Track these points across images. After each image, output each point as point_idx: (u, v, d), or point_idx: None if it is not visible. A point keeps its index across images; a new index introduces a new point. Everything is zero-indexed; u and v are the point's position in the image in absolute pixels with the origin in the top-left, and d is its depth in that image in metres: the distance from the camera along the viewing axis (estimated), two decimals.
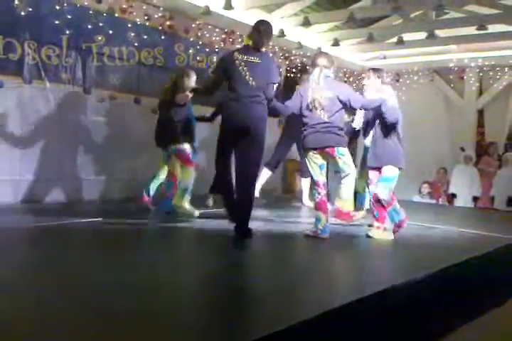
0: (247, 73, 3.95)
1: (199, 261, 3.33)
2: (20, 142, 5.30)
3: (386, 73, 4.90)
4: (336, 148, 4.10)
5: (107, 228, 4.30)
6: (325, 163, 4.22)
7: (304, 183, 6.34)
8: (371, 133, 4.50)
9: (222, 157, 4.16)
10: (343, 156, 4.13)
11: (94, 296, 2.33)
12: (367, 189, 4.85)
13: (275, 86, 4.10)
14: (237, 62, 3.97)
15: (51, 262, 2.99)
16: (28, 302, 2.22)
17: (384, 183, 4.21)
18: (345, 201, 4.19)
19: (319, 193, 4.16)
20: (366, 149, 4.70)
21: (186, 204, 4.90)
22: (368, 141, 4.60)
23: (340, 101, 4.11)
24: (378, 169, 4.31)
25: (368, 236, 4.28)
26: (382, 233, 4.29)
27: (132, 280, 2.64)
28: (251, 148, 3.98)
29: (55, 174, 5.56)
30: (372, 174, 4.38)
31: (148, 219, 4.87)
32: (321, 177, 4.18)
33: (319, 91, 4.09)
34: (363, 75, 4.81)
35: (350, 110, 4.49)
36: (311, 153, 4.17)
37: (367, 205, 5.20)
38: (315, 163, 4.18)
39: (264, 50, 4.23)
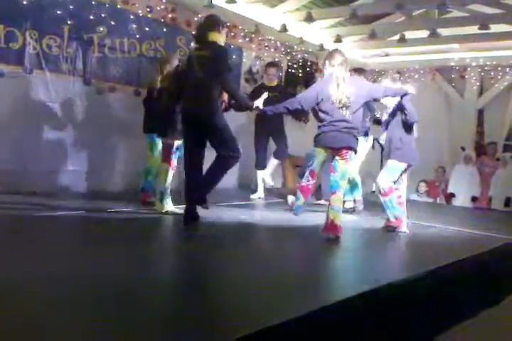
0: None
1: (194, 254, 3.34)
2: (20, 132, 5.27)
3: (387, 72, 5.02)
4: (350, 151, 4.06)
5: (108, 220, 4.30)
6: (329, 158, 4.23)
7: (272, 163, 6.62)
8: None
9: None
10: (347, 162, 4.06)
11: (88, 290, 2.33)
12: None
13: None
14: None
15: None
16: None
17: (385, 173, 4.46)
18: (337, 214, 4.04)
19: (308, 180, 4.27)
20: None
21: (170, 207, 4.67)
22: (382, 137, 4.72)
23: (362, 96, 4.11)
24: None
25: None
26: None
27: (126, 273, 2.64)
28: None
29: (54, 165, 5.54)
30: None
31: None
32: (317, 169, 4.26)
33: (344, 89, 4.03)
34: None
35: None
36: (323, 150, 4.15)
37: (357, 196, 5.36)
38: (322, 157, 4.20)
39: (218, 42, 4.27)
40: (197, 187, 4.16)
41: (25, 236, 3.41)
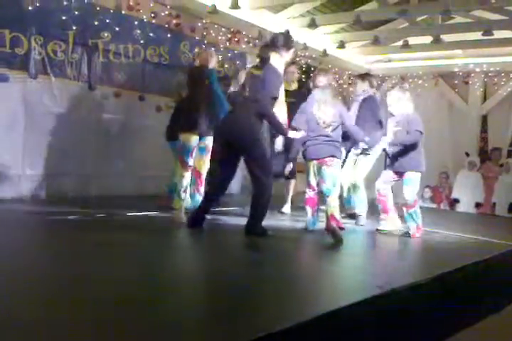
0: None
1: (202, 258, 3.34)
2: (24, 136, 5.29)
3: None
4: (330, 158, 4.33)
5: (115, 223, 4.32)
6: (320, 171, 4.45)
7: None
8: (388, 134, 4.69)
9: None
10: (333, 168, 4.32)
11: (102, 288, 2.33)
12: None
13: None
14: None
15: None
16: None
17: (410, 186, 4.54)
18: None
19: (308, 192, 4.53)
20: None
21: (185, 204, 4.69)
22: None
23: (339, 118, 4.41)
24: (398, 172, 4.61)
25: (378, 230, 4.65)
26: (389, 224, 4.64)
27: (137, 274, 2.66)
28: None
29: (58, 169, 5.54)
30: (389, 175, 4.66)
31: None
32: (313, 180, 4.48)
33: (326, 110, 4.37)
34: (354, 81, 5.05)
35: None
36: (312, 163, 4.44)
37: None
38: (313, 169, 4.46)
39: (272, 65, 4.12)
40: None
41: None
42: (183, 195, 4.57)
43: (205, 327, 2.02)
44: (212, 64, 4.75)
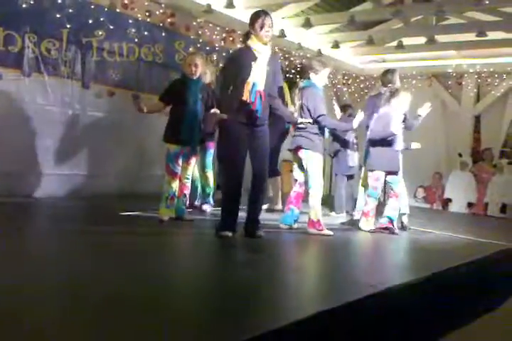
0: None
1: (202, 259, 3.35)
2: (17, 134, 5.27)
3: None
4: (303, 150, 4.42)
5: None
6: (301, 164, 4.55)
7: None
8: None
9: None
10: (309, 160, 4.40)
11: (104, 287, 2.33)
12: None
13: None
14: None
15: None
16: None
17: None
18: (316, 212, 4.41)
19: (293, 189, 4.64)
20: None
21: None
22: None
23: (308, 110, 4.41)
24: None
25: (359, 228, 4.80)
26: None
27: (140, 277, 2.66)
28: None
29: (51, 168, 5.52)
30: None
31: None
32: (298, 176, 4.59)
33: (298, 99, 4.49)
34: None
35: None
36: (292, 154, 4.61)
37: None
38: (296, 162, 4.61)
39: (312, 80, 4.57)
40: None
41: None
42: (169, 202, 4.45)
43: (203, 326, 2.01)
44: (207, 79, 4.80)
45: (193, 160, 4.60)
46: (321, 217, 4.39)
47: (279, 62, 4.25)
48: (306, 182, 4.53)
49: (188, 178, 4.56)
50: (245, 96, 3.76)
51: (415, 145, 5.11)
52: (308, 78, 4.53)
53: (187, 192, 4.59)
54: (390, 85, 4.98)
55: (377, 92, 5.26)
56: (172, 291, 2.49)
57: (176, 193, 4.48)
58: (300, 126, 4.44)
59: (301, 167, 4.55)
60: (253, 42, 3.87)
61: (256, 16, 3.88)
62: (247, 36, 3.93)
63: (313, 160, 4.40)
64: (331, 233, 4.36)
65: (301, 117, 4.43)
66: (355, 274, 3.23)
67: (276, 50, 8.18)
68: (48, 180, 5.45)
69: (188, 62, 4.43)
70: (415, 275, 3.08)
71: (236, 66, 3.87)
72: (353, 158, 6.01)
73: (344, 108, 6.35)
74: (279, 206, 5.78)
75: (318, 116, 4.38)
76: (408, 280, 2.93)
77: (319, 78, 4.52)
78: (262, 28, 3.83)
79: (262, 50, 3.86)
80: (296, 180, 4.64)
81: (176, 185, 4.45)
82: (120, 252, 3.22)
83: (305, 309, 2.29)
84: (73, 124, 5.72)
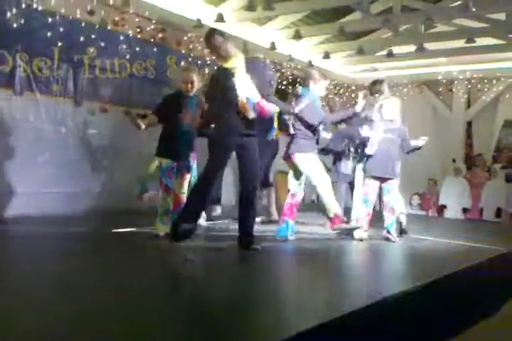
0: None
1: (203, 271, 3.34)
2: (10, 153, 5.26)
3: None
4: (295, 154, 4.49)
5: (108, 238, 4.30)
6: (297, 172, 4.58)
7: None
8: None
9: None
10: (304, 163, 4.46)
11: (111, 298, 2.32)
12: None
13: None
14: None
15: None
16: None
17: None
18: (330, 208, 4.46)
19: (286, 200, 4.66)
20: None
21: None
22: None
23: (304, 118, 4.48)
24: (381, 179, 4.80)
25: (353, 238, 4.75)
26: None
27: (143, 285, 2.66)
28: None
29: (44, 186, 5.46)
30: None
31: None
32: (291, 186, 4.62)
33: (294, 106, 4.58)
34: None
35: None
36: (286, 162, 4.69)
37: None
38: (291, 170, 4.64)
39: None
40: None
41: None
42: (164, 218, 4.42)
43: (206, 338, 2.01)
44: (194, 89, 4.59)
45: (188, 175, 4.57)
46: (338, 211, 4.48)
47: (258, 62, 4.39)
48: (297, 193, 4.60)
49: (184, 193, 4.53)
50: (250, 115, 3.82)
51: (423, 141, 5.03)
52: (308, 86, 4.63)
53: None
54: (377, 95, 5.05)
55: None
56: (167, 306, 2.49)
57: (171, 208, 4.45)
58: (290, 133, 4.56)
59: (296, 174, 4.59)
60: (230, 62, 3.89)
61: (215, 37, 3.93)
62: (218, 55, 3.96)
63: (306, 161, 4.47)
64: (357, 225, 4.58)
65: (294, 124, 4.56)
66: (354, 284, 3.23)
67: (268, 62, 8.25)
68: (42, 199, 5.37)
69: (184, 78, 4.42)
70: (413, 283, 3.08)
71: (218, 87, 3.92)
72: (347, 166, 6.03)
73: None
74: (275, 216, 5.78)
75: (319, 124, 4.53)
76: (406, 289, 2.93)
77: (318, 88, 4.64)
78: (224, 45, 3.90)
79: (236, 65, 3.88)
80: (289, 191, 4.67)
81: (170, 200, 4.44)
82: (112, 268, 3.21)
83: (303, 322, 2.29)
84: (67, 142, 5.72)
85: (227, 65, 3.90)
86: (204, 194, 3.99)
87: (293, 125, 4.58)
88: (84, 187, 5.82)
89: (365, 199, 4.83)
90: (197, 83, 4.44)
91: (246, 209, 3.99)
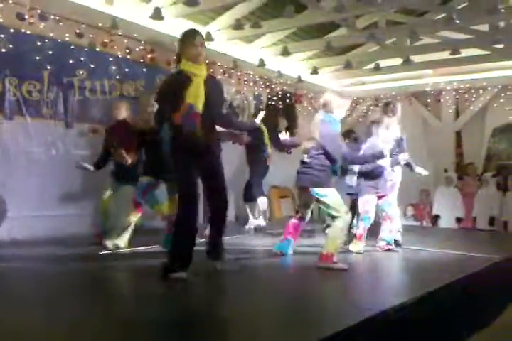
0: None
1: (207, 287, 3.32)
2: (1, 177, 5.23)
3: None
4: (311, 189, 4.17)
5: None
6: (310, 201, 4.41)
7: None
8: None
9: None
10: (322, 197, 4.13)
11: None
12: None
13: None
14: None
15: None
16: None
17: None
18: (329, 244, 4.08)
19: (292, 219, 4.61)
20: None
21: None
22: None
23: (322, 148, 4.14)
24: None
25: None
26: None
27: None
28: None
29: (37, 209, 5.43)
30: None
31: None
32: (301, 210, 4.53)
33: (302, 134, 4.54)
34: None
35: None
36: (298, 191, 4.57)
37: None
38: (300, 200, 4.58)
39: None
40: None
41: None
42: (122, 232, 4.68)
43: None
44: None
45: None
46: (335, 251, 4.02)
47: (219, 82, 4.00)
48: (305, 217, 4.51)
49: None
50: (183, 121, 3.50)
51: (421, 171, 5.56)
52: (330, 112, 4.26)
53: None
54: (390, 115, 5.16)
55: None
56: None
57: (132, 225, 4.71)
58: (304, 160, 4.25)
59: (306, 205, 4.46)
60: (186, 65, 3.70)
61: (185, 37, 3.74)
62: (178, 60, 3.77)
63: (326, 197, 4.11)
64: (344, 267, 3.99)
65: (311, 149, 4.19)
66: (351, 297, 3.23)
67: (257, 78, 8.33)
68: (32, 222, 5.32)
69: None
70: (410, 295, 3.09)
71: (170, 92, 3.65)
72: (352, 178, 6.18)
73: (347, 134, 6.26)
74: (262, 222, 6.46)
75: (345, 160, 4.32)
76: (404, 301, 2.93)
77: (340, 112, 4.31)
78: (193, 47, 3.69)
79: (196, 72, 3.67)
80: (297, 212, 4.62)
81: (135, 217, 4.68)
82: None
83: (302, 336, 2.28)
84: (58, 164, 5.70)
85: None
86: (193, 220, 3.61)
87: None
88: (77, 209, 5.77)
89: (365, 217, 5.00)
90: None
91: (220, 223, 3.80)
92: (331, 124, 4.21)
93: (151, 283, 3.43)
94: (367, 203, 4.97)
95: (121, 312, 2.74)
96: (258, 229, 6.51)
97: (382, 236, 4.99)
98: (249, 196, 6.53)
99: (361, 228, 4.97)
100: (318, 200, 4.19)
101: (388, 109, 5.28)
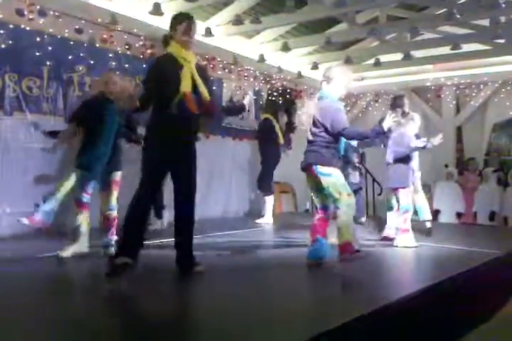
0: None
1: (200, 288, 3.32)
2: (1, 174, 5.23)
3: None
4: (314, 166, 3.88)
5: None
6: (316, 185, 3.95)
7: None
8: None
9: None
10: (324, 176, 3.84)
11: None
12: None
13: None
14: None
15: None
16: None
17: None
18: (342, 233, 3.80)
19: (314, 216, 4.09)
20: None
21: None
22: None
23: (322, 125, 3.87)
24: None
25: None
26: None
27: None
28: None
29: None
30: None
31: None
32: (317, 200, 4.04)
33: (302, 111, 4.04)
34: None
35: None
36: (305, 174, 4.02)
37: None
38: (308, 185, 4.04)
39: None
40: None
41: None
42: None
43: None
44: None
45: (114, 189, 4.29)
46: (350, 238, 3.78)
47: (205, 70, 3.89)
48: (326, 206, 4.01)
49: (111, 209, 4.26)
50: (174, 110, 3.40)
51: (437, 140, 5.46)
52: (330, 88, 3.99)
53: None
54: (398, 109, 5.33)
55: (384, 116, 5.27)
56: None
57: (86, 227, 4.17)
58: (309, 139, 3.96)
59: (315, 188, 4.00)
60: (176, 48, 3.55)
61: (179, 20, 3.53)
62: (166, 42, 3.60)
63: (329, 176, 3.84)
64: (362, 255, 3.79)
65: (311, 132, 3.93)
66: (351, 291, 3.23)
67: (257, 74, 8.31)
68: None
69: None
70: (409, 290, 3.09)
71: (161, 76, 3.47)
72: (355, 176, 6.41)
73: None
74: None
75: (343, 130, 3.81)
76: (405, 294, 2.94)
77: (333, 87, 3.98)
78: (186, 33, 3.50)
79: (187, 57, 3.53)
80: (316, 208, 4.14)
81: (83, 218, 4.18)
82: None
83: (307, 330, 2.29)
84: (57, 161, 5.68)
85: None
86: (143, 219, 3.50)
87: (310, 130, 3.95)
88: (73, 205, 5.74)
89: (408, 208, 5.13)
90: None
91: (188, 227, 3.59)
92: (328, 100, 3.94)
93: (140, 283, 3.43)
94: (406, 195, 5.12)
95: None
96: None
97: (395, 224, 5.22)
98: (263, 186, 7.04)
99: (406, 221, 5.03)
100: (319, 182, 3.86)
101: (395, 104, 5.60)
